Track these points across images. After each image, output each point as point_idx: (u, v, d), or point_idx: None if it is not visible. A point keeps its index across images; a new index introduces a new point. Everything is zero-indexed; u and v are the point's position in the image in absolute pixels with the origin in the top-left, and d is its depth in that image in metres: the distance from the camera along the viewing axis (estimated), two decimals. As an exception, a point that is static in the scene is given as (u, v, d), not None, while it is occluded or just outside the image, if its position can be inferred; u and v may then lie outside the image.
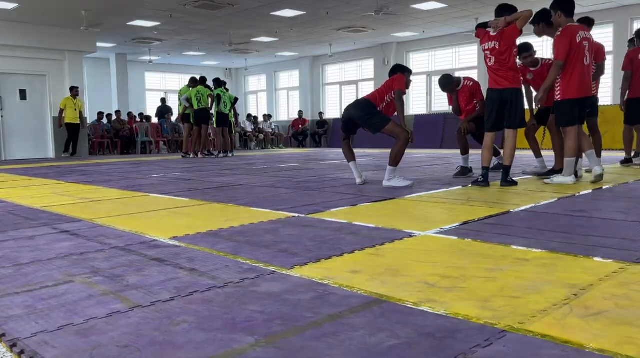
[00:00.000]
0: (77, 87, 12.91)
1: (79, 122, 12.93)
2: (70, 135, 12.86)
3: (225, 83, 12.26)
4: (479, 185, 4.75)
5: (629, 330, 1.41)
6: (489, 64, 4.81)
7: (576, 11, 10.73)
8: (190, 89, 11.66)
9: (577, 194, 4.16)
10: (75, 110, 12.75)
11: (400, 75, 5.07)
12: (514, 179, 4.92)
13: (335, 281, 1.92)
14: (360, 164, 5.39)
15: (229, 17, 12.14)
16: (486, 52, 4.82)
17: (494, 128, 4.87)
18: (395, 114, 5.02)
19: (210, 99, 11.50)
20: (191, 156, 11.79)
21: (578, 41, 4.62)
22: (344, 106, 5.92)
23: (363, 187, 4.94)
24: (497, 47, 4.74)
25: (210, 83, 11.90)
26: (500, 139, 7.18)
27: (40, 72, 13.04)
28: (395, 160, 4.90)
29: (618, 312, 1.55)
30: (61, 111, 12.69)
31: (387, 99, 5.00)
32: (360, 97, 5.30)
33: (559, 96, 4.74)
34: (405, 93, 5.09)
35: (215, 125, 11.82)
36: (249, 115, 18.20)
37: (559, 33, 4.68)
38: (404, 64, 15.94)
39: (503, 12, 4.76)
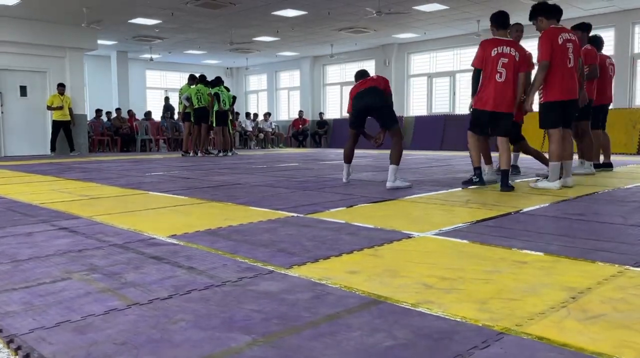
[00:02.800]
0: (64, 85, 12.87)
1: (68, 119, 12.87)
2: (56, 133, 12.81)
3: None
4: (476, 185, 4.75)
5: (627, 334, 1.41)
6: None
7: (577, 15, 10.68)
8: (191, 87, 11.65)
9: (576, 198, 4.16)
10: (63, 107, 12.70)
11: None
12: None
13: (333, 281, 1.92)
14: (360, 164, 5.39)
15: (231, 16, 12.13)
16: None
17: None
18: None
19: (210, 98, 11.49)
20: (191, 155, 11.79)
21: (560, 42, 4.58)
22: (345, 106, 5.92)
23: (363, 187, 4.93)
24: None
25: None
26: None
27: (41, 68, 13.01)
28: (400, 159, 4.89)
29: (616, 315, 1.55)
30: (48, 107, 12.69)
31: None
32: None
33: (542, 98, 4.73)
34: None
35: (214, 124, 11.80)
36: (247, 114, 18.16)
37: (541, 35, 4.68)
38: (405, 66, 16.03)
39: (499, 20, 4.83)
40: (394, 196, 4.29)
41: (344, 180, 5.35)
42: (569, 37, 4.65)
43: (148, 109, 17.03)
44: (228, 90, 12.20)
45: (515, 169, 6.17)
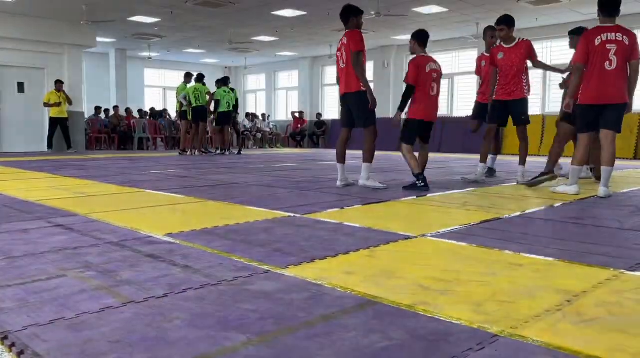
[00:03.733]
0: (62, 82, 12.82)
1: (65, 116, 12.83)
2: (53, 130, 12.77)
3: (228, 79, 12.12)
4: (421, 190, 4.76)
5: (621, 338, 1.41)
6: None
7: (576, 19, 10.61)
8: (187, 85, 11.62)
9: (573, 201, 4.17)
10: (60, 104, 12.67)
11: (355, 31, 4.90)
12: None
13: (329, 282, 1.91)
14: (353, 165, 5.39)
15: (230, 15, 12.13)
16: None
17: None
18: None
19: (208, 97, 11.49)
20: (189, 153, 11.78)
21: (597, 44, 4.33)
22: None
23: (360, 188, 4.93)
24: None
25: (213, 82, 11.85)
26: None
27: (39, 65, 12.97)
28: (372, 157, 4.96)
29: (610, 319, 1.56)
30: (45, 104, 12.64)
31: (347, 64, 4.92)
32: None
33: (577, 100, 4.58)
34: (362, 50, 4.86)
35: (215, 124, 11.80)
36: (247, 114, 18.12)
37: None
38: (404, 67, 16.02)
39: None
40: (390, 197, 4.29)
41: (338, 183, 5.06)
42: (608, 38, 4.38)
43: (146, 108, 17.01)
44: (233, 91, 12.04)
45: (491, 172, 6.17)
